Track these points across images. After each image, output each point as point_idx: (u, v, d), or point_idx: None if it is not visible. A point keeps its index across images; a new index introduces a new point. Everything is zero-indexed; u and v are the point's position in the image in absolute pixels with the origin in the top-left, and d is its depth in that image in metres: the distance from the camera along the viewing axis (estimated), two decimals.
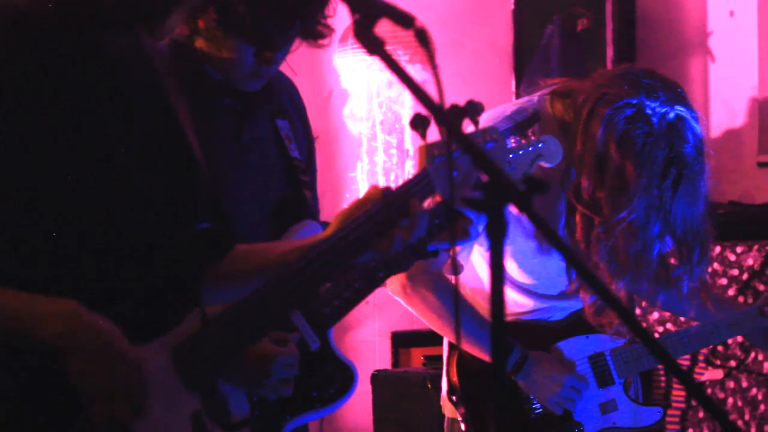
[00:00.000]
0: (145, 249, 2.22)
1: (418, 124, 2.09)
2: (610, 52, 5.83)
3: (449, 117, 1.84)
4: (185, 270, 2.28)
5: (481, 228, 2.76)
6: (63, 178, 2.13)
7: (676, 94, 3.12)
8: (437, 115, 1.83)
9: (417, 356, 5.55)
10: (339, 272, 2.33)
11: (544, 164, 2.65)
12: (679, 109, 3.09)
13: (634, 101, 3.06)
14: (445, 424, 3.37)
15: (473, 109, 2.02)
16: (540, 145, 2.71)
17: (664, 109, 3.07)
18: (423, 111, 2.00)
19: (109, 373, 2.09)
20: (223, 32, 2.73)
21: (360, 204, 2.29)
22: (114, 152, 2.19)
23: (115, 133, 2.20)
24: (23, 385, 2.11)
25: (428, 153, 2.28)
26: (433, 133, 2.11)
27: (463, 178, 2.27)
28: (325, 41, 2.79)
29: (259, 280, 2.27)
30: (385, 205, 2.25)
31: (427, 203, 2.30)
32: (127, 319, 2.14)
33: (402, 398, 4.95)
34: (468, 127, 2.28)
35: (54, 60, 2.15)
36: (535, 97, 3.26)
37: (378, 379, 5.07)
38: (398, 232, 2.24)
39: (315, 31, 2.77)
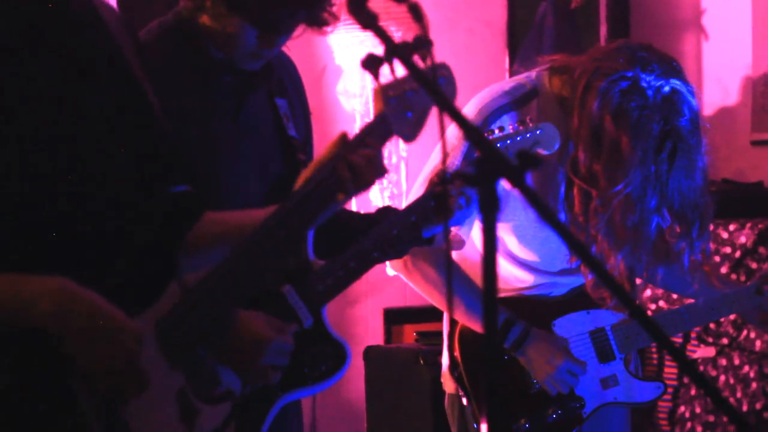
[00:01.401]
0: (119, 217, 2.16)
1: (370, 64, 2.05)
2: (603, 30, 5.81)
3: (400, 53, 1.83)
4: (163, 236, 2.23)
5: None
6: (30, 145, 2.06)
7: (672, 68, 3.12)
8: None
9: (410, 332, 5.55)
10: (307, 225, 2.35)
11: (542, 151, 2.65)
12: (675, 83, 3.10)
13: (630, 74, 3.07)
14: (446, 400, 3.37)
15: (422, 44, 2.00)
16: (538, 132, 2.72)
17: (659, 83, 3.08)
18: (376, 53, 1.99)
19: (110, 347, 2.02)
20: (228, 10, 2.73)
21: (321, 159, 2.31)
22: (81, 114, 2.14)
23: (80, 96, 2.15)
24: (19, 371, 2.05)
25: (383, 95, 2.28)
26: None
27: (419, 117, 2.27)
28: (328, 28, 2.80)
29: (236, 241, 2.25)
30: (344, 151, 2.28)
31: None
32: (107, 295, 2.05)
33: (394, 374, 4.95)
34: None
35: (16, 22, 2.09)
36: (533, 73, 3.27)
37: (370, 354, 5.07)
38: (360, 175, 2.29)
39: (320, 19, 2.78)
